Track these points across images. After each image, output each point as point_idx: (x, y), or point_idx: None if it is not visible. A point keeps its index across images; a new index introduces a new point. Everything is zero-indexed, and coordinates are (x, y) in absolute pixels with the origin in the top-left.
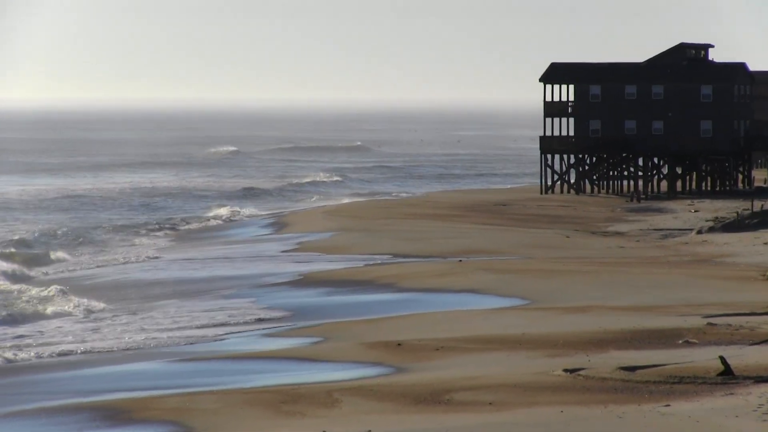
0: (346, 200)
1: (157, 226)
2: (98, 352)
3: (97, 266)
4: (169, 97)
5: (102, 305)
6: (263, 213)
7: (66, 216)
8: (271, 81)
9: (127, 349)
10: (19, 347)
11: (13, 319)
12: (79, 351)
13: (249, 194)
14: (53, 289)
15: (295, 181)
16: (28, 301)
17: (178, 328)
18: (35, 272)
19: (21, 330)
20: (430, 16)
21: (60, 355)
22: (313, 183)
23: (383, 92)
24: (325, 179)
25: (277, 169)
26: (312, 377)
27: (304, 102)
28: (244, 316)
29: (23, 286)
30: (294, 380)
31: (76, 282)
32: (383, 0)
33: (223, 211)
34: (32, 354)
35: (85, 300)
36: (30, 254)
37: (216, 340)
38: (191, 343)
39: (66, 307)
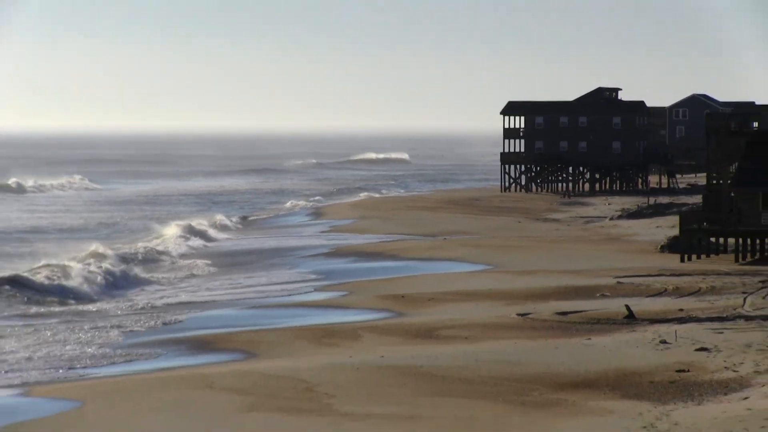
0: (379, 195)
1: (243, 212)
2: (196, 302)
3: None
4: (229, 124)
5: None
6: (311, 205)
7: (193, 208)
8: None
9: (214, 300)
10: (151, 300)
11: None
12: (185, 301)
13: (311, 192)
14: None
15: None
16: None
17: (248, 286)
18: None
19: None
20: (407, 56)
21: (174, 304)
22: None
23: (377, 119)
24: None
25: (341, 175)
26: (341, 319)
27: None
28: (293, 277)
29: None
30: (329, 321)
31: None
32: (368, 35)
33: (288, 205)
34: (160, 303)
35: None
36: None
37: (274, 295)
38: (257, 297)
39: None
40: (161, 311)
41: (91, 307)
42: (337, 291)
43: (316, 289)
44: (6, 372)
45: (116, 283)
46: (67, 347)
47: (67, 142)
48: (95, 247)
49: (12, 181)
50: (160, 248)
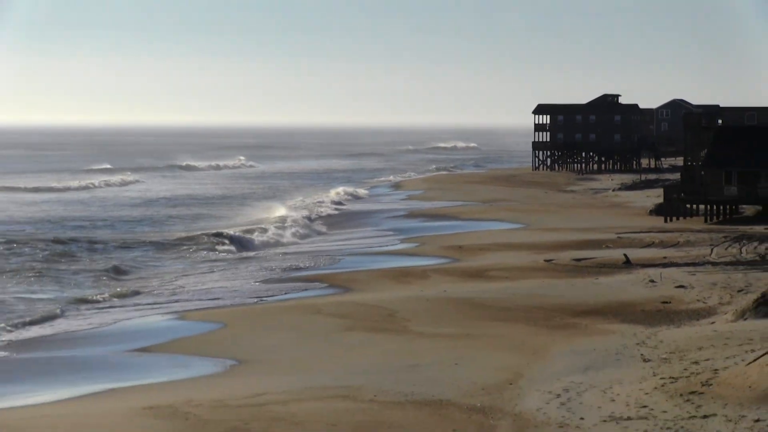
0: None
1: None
2: (317, 251)
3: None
4: (325, 120)
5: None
6: (393, 180)
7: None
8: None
9: (329, 250)
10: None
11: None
12: (309, 251)
13: (394, 171)
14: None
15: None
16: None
17: (347, 239)
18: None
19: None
20: (459, 65)
21: (304, 252)
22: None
23: (433, 116)
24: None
25: (417, 158)
26: (414, 263)
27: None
28: (380, 233)
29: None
30: (405, 264)
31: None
32: (407, 38)
33: (377, 179)
34: (285, 252)
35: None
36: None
37: (366, 246)
38: (356, 247)
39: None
40: (293, 259)
41: (257, 253)
42: (411, 243)
43: (396, 242)
44: (179, 301)
45: (271, 239)
46: (225, 283)
47: (216, 133)
48: (271, 208)
49: (184, 163)
50: (303, 213)
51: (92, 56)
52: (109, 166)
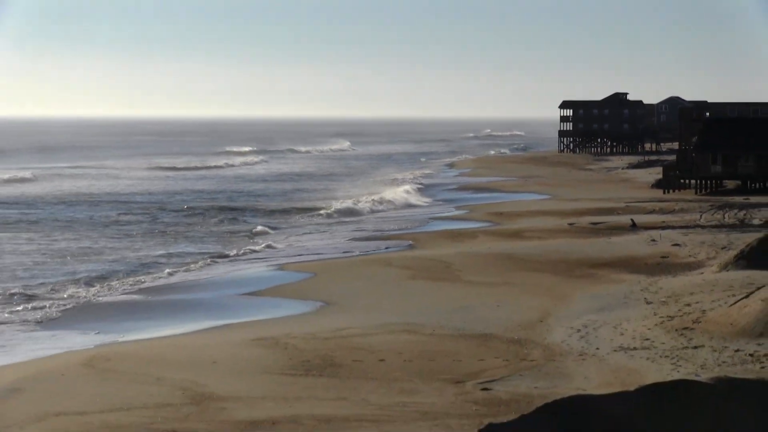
0: (491, 153)
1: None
2: (390, 218)
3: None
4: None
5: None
6: (449, 161)
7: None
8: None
9: (398, 217)
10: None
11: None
12: (384, 217)
13: (458, 153)
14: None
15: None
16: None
17: (415, 207)
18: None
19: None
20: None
21: (386, 219)
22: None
23: (463, 110)
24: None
25: (468, 143)
26: (464, 226)
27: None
28: (437, 202)
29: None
30: (457, 227)
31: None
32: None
33: (438, 161)
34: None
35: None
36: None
37: (429, 214)
38: (420, 213)
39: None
40: (376, 223)
41: (352, 219)
42: (462, 210)
43: (450, 208)
44: (286, 255)
45: (362, 208)
46: (322, 242)
47: (310, 123)
48: (364, 183)
49: (285, 148)
50: (387, 187)
51: (176, 59)
52: (251, 148)
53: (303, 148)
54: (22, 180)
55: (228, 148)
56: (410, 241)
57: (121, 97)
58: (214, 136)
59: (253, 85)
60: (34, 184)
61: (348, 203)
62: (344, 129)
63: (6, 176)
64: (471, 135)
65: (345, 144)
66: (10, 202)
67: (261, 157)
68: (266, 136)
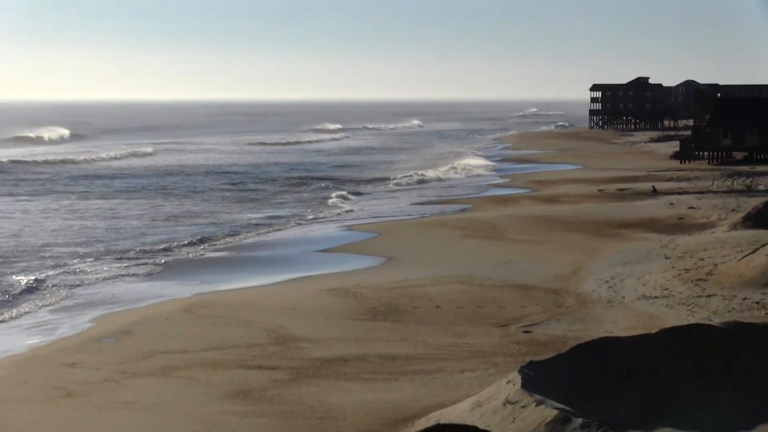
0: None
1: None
2: (447, 185)
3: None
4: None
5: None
6: (496, 136)
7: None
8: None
9: (453, 185)
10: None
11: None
12: (442, 185)
13: (505, 129)
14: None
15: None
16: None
17: (466, 176)
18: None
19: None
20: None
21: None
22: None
23: (515, 92)
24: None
25: (513, 122)
26: (508, 192)
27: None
28: (483, 171)
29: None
30: (502, 193)
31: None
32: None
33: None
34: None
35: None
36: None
37: (477, 182)
38: (471, 181)
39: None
40: (436, 190)
41: (414, 186)
42: (506, 179)
43: (496, 177)
44: (355, 219)
45: (423, 177)
46: (388, 206)
47: (379, 105)
48: (428, 157)
49: (360, 126)
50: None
51: (254, 48)
52: (334, 126)
53: (377, 126)
54: (145, 154)
55: (311, 126)
56: (463, 206)
57: (212, 83)
58: (299, 116)
59: (329, 71)
60: (156, 157)
61: (411, 173)
62: (411, 110)
63: (132, 150)
64: (519, 114)
65: (415, 122)
66: (125, 174)
67: (342, 134)
68: (344, 116)
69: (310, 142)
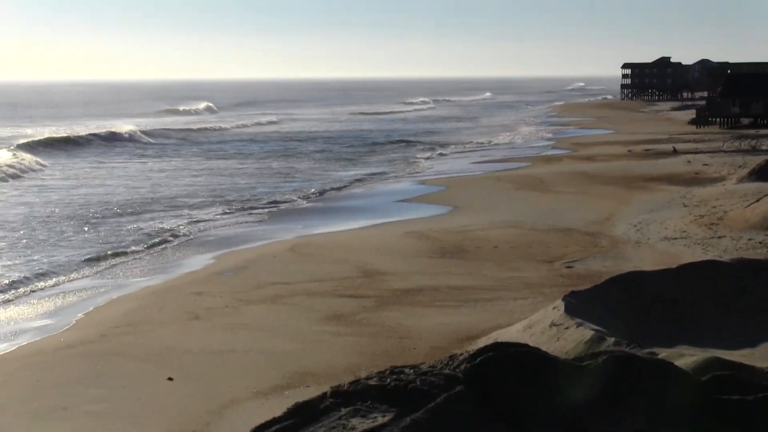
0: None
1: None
2: (505, 147)
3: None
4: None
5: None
6: (548, 107)
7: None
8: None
9: (510, 146)
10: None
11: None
12: (499, 147)
13: (551, 101)
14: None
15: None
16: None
17: (519, 141)
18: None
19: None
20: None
21: (495, 148)
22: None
23: (536, 70)
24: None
25: (563, 95)
26: (553, 152)
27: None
28: (534, 135)
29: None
30: (548, 153)
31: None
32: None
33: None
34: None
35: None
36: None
37: (526, 145)
38: (525, 145)
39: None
40: (494, 151)
41: (482, 148)
42: (551, 142)
43: (543, 141)
44: (426, 175)
45: (483, 141)
46: (452, 165)
47: (448, 82)
48: (489, 124)
49: (443, 98)
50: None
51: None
52: (422, 99)
53: (457, 98)
54: (271, 122)
55: (401, 100)
56: (516, 164)
57: (302, 63)
58: (388, 91)
59: (411, 52)
60: (280, 125)
61: (476, 137)
62: (482, 85)
63: (255, 120)
64: (569, 88)
65: (487, 94)
66: (243, 140)
67: (427, 105)
68: (428, 91)
69: (400, 111)
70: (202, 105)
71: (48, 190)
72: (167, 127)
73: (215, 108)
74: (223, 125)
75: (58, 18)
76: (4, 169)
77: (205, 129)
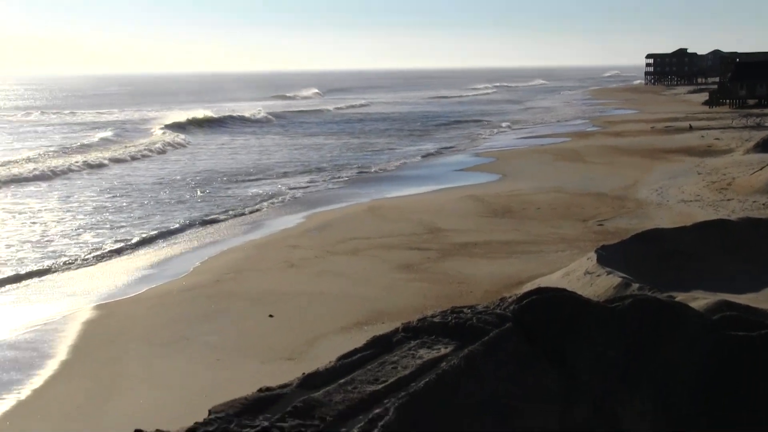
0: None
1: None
2: (546, 124)
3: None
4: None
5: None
6: (583, 90)
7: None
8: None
9: (547, 124)
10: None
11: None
12: (545, 125)
13: (585, 87)
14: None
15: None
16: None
17: (559, 119)
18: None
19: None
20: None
21: (541, 125)
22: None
23: (565, 59)
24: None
25: (597, 82)
26: (586, 129)
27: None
28: (570, 115)
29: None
30: (581, 130)
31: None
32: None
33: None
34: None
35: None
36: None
37: (563, 123)
38: (563, 122)
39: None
40: (536, 129)
41: (526, 126)
42: (585, 120)
43: (579, 120)
44: (479, 148)
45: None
46: (502, 141)
47: (500, 70)
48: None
49: (483, 85)
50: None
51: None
52: (485, 84)
53: (513, 84)
54: (362, 105)
55: (470, 86)
56: (555, 139)
57: (373, 55)
58: (462, 78)
59: (479, 45)
60: (367, 108)
61: (525, 116)
62: (534, 73)
63: (350, 103)
64: (606, 75)
65: (538, 81)
66: (337, 120)
67: (490, 90)
68: (489, 78)
69: (465, 95)
70: (311, 91)
71: (189, 161)
72: (286, 110)
73: (320, 93)
74: (327, 107)
75: (164, 16)
76: (158, 145)
77: (317, 111)
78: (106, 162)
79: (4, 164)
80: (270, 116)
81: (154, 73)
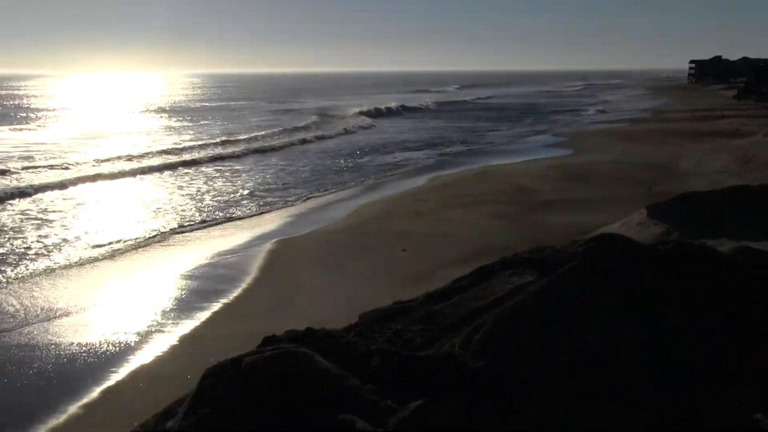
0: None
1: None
2: (600, 113)
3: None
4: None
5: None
6: (642, 92)
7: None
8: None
9: (603, 112)
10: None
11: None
12: (603, 113)
13: (637, 87)
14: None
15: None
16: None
17: (618, 110)
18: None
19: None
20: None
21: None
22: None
23: (596, 63)
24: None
25: (633, 81)
26: (640, 117)
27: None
28: (626, 107)
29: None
30: (637, 117)
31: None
32: None
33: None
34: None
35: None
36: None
37: (625, 114)
38: (611, 112)
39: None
40: (601, 117)
41: (592, 116)
42: (640, 112)
43: (622, 111)
44: (553, 132)
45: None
46: (576, 126)
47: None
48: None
49: (578, 83)
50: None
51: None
52: (572, 83)
53: (598, 83)
54: (488, 97)
55: (565, 83)
56: (616, 125)
57: (517, 55)
58: (563, 78)
59: (575, 48)
60: (488, 100)
61: (597, 106)
62: (612, 74)
63: (482, 95)
64: (665, 77)
65: (618, 80)
66: (435, 109)
67: (579, 87)
68: (582, 77)
69: (560, 90)
70: (452, 87)
71: (368, 138)
72: (440, 100)
73: (458, 87)
74: (467, 98)
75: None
76: (351, 127)
77: (463, 101)
78: (312, 139)
79: (250, 140)
80: (431, 105)
81: (301, 72)
